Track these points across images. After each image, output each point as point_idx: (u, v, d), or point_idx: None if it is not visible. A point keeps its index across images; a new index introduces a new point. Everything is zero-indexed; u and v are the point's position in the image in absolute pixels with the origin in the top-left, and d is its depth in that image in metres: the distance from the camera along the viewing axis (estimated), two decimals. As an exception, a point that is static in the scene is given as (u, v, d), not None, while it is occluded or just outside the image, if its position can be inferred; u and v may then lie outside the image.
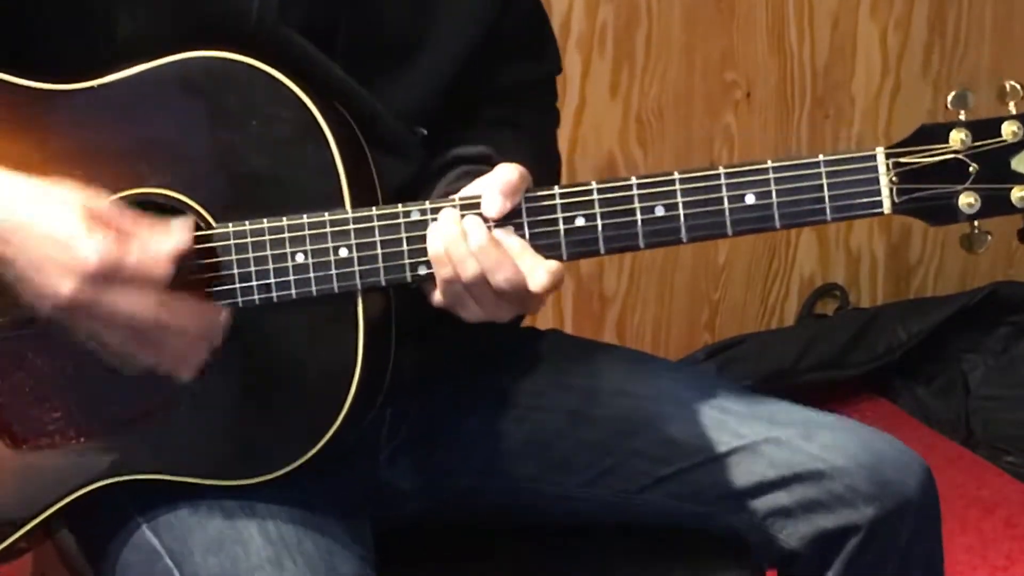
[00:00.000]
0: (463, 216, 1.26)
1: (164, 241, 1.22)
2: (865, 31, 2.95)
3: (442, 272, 1.26)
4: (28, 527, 1.31)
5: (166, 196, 1.27)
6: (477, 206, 1.27)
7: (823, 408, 1.51)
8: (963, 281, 3.18)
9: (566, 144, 2.67)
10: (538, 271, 1.26)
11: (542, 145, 1.51)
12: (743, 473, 1.43)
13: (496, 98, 1.49)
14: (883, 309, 3.07)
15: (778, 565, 1.48)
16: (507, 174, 1.27)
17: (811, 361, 2.95)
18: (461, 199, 1.28)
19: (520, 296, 1.26)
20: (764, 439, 1.44)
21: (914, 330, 3.00)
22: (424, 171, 1.38)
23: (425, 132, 1.39)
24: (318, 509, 1.33)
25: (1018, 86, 1.24)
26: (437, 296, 1.29)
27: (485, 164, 1.35)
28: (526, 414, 1.49)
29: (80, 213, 1.20)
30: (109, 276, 1.19)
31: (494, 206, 1.26)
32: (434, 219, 1.27)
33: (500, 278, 1.25)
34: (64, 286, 1.19)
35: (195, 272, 1.27)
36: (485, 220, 1.27)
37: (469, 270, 1.25)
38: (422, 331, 1.40)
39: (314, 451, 1.28)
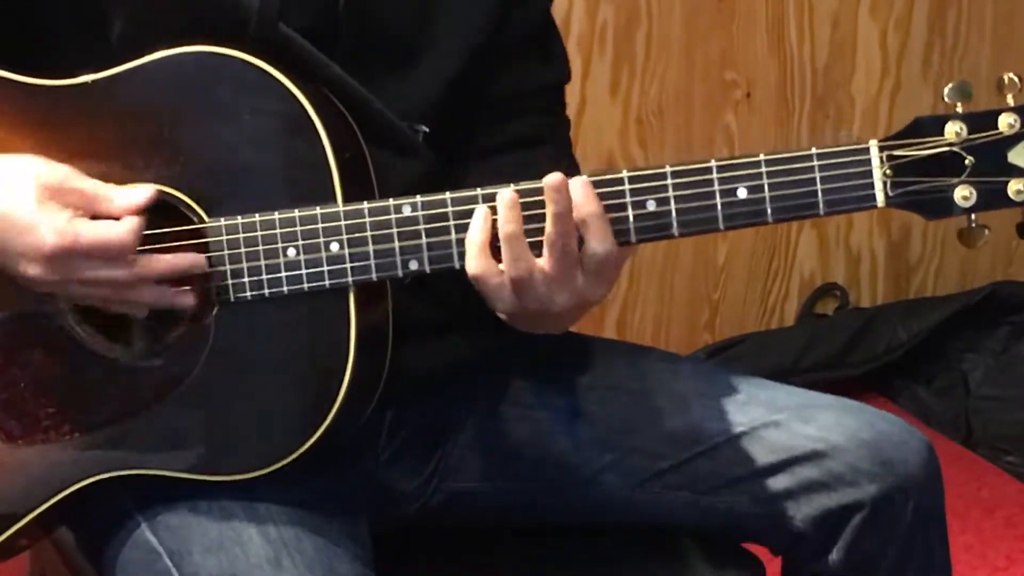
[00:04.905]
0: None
1: (122, 200, 1.24)
2: (865, 31, 2.95)
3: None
4: (24, 522, 1.31)
5: (158, 191, 1.27)
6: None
7: (823, 408, 1.50)
8: (963, 281, 3.18)
9: (566, 144, 2.67)
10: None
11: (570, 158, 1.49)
12: (742, 460, 1.43)
13: (511, 108, 1.46)
14: (883, 309, 3.07)
15: (783, 546, 1.47)
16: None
17: (811, 361, 2.95)
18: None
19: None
20: (762, 424, 1.44)
21: (914, 330, 3.00)
22: (431, 169, 1.38)
23: (427, 130, 1.38)
24: (317, 509, 1.33)
25: (1016, 78, 1.22)
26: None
27: None
28: (525, 413, 1.49)
29: (35, 193, 1.22)
30: (70, 252, 1.22)
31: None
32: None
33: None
34: (30, 269, 1.23)
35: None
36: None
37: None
38: (422, 334, 1.40)
39: (306, 447, 1.28)
